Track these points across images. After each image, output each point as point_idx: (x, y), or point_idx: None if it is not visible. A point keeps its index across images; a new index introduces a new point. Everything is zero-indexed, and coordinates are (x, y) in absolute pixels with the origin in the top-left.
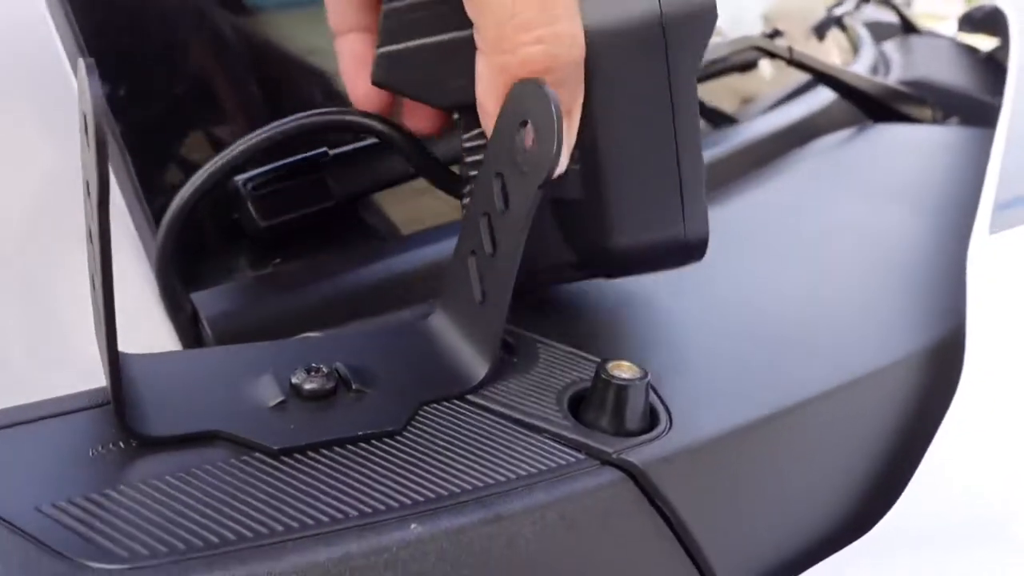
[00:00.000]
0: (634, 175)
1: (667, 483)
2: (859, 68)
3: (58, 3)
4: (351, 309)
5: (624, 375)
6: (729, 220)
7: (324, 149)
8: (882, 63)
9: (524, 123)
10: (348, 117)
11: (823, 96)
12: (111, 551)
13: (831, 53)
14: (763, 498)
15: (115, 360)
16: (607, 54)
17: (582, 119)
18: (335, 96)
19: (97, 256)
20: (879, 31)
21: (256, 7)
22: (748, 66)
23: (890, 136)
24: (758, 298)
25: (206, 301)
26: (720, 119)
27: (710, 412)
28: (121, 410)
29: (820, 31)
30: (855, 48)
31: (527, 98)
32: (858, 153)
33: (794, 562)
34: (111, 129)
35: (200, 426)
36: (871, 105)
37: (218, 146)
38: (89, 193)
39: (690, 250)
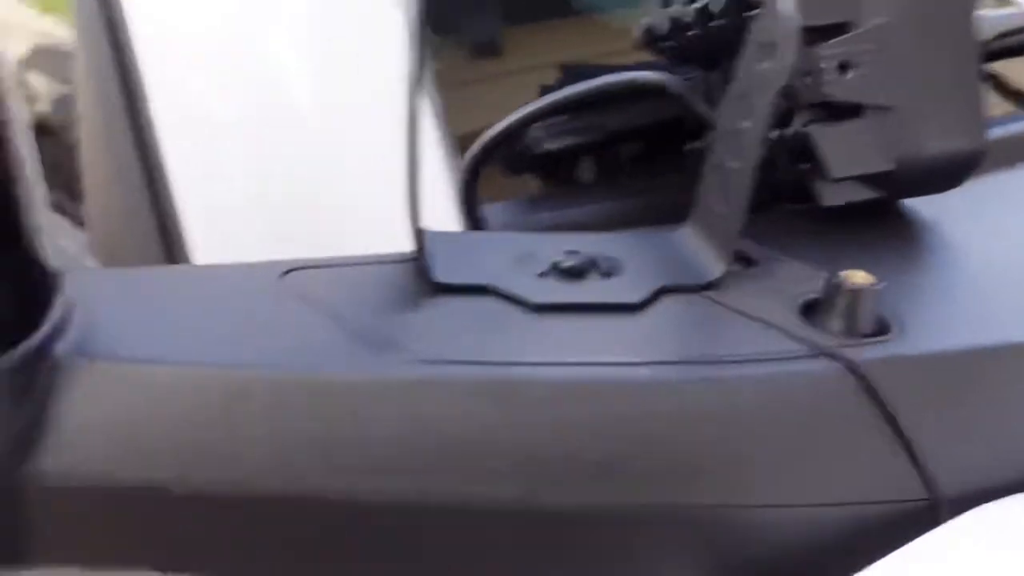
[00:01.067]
0: (942, 91)
1: (889, 383)
2: None
3: None
4: (609, 228)
5: (856, 281)
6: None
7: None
8: None
9: (765, 43)
10: (644, 79)
11: None
12: (406, 348)
13: None
14: (989, 417)
15: (417, 221)
16: None
17: (908, 43)
18: None
19: (407, 135)
20: None
21: None
22: None
23: None
24: None
25: (493, 213)
26: None
27: (942, 331)
28: (421, 261)
29: None
30: None
31: (770, 19)
32: None
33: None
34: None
35: (478, 279)
36: None
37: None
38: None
39: (974, 161)
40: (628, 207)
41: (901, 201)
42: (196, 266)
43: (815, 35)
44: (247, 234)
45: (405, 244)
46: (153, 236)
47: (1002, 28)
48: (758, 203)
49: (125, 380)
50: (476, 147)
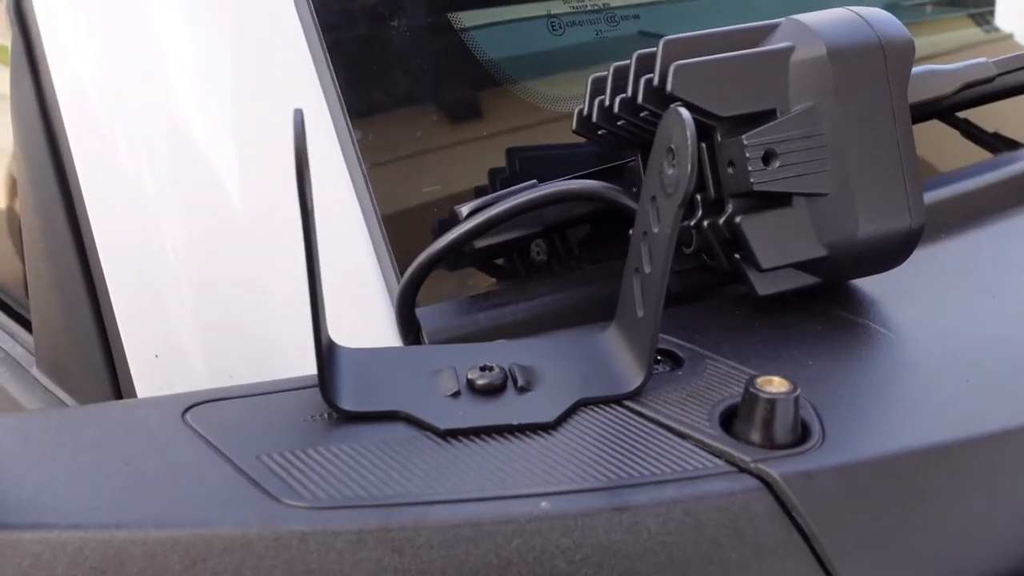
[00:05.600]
0: (871, 172)
1: (806, 497)
2: None
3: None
4: (549, 326)
5: (773, 389)
6: (973, 251)
7: (534, 181)
8: None
9: (670, 149)
10: (576, 189)
11: None
12: (300, 493)
13: None
14: (917, 530)
15: (320, 349)
16: (848, 72)
17: (834, 127)
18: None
19: (308, 269)
20: None
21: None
22: None
23: None
24: (975, 329)
25: (427, 316)
26: (1002, 144)
27: (869, 435)
28: (325, 389)
29: None
30: None
31: (670, 124)
32: None
33: None
34: (366, 178)
35: (386, 406)
36: None
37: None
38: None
39: (912, 239)
40: (567, 301)
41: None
42: (94, 407)
43: (741, 123)
44: (185, 346)
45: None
46: (95, 350)
47: (966, 79)
48: (702, 288)
49: None
50: (413, 267)
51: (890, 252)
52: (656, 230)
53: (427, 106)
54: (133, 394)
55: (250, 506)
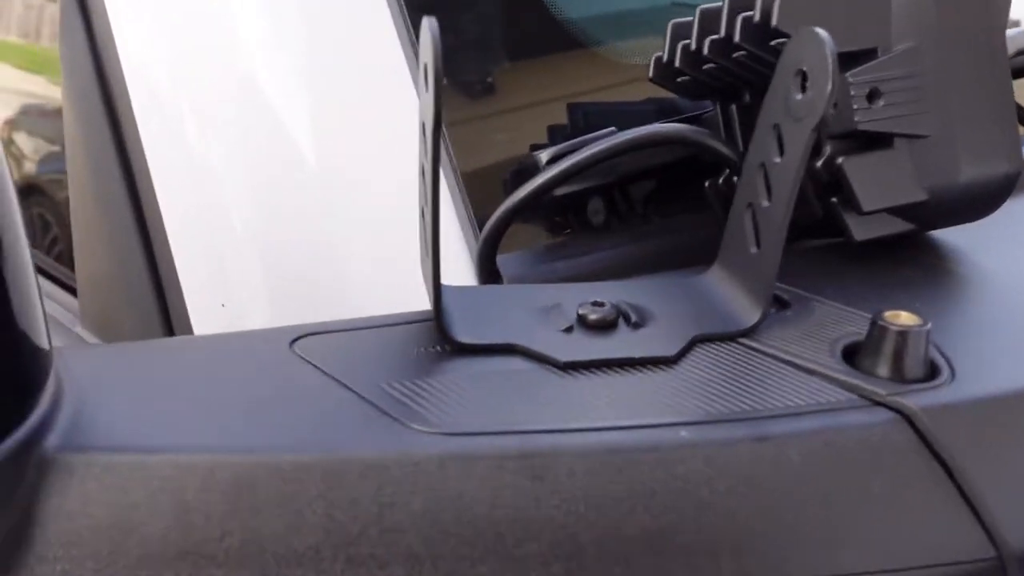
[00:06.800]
0: (972, 115)
1: (947, 431)
2: None
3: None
4: (628, 275)
5: (902, 322)
6: None
7: (612, 128)
8: None
9: (799, 71)
10: (665, 133)
11: None
12: (428, 419)
13: None
14: None
15: (438, 281)
16: (951, 13)
17: (936, 68)
18: None
19: (428, 189)
20: None
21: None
22: None
23: None
24: None
25: (507, 264)
26: None
27: (997, 371)
28: (440, 321)
29: None
30: None
31: (804, 46)
32: None
33: None
34: (445, 134)
35: (502, 339)
36: None
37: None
38: (424, 132)
39: (1009, 185)
40: (646, 250)
41: (929, 233)
42: (199, 337)
43: (842, 62)
44: (249, 295)
45: (409, 299)
46: (150, 302)
47: (1019, 47)
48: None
49: (121, 474)
50: (496, 216)
51: (987, 198)
52: (778, 160)
53: (502, 61)
54: None
55: (382, 431)
